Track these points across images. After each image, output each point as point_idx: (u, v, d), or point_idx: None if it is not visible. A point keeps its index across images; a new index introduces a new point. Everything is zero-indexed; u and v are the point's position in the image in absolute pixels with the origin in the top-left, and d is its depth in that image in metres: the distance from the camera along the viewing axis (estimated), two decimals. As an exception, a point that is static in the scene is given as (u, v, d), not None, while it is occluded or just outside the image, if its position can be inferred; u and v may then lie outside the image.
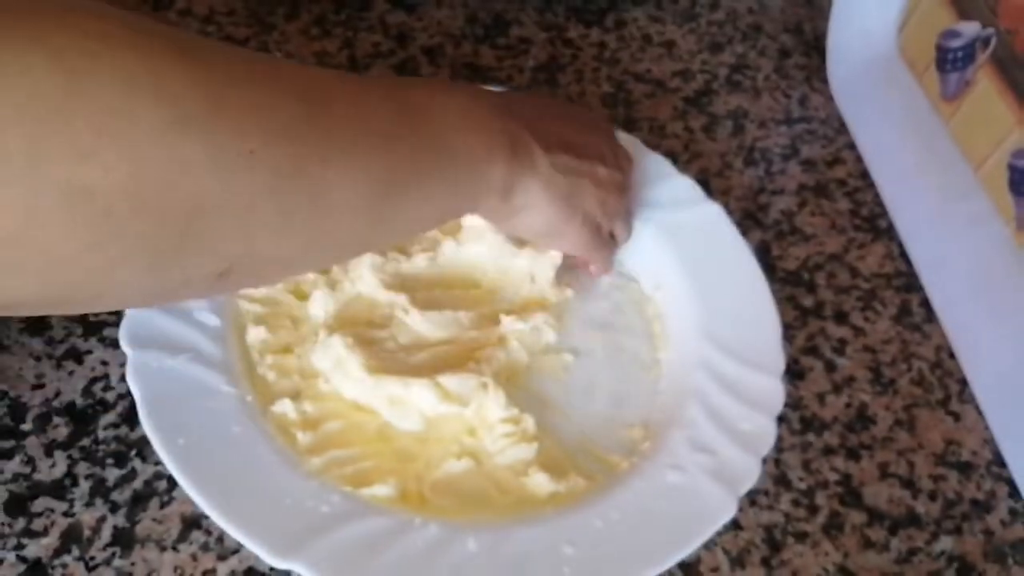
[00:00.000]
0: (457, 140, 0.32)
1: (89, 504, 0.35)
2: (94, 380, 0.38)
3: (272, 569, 0.34)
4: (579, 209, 0.38)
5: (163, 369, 0.35)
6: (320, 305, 0.40)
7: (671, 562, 0.33)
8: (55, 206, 0.20)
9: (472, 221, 0.43)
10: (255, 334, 0.39)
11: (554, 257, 0.43)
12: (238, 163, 0.23)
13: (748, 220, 0.52)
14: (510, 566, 0.32)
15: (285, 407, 0.37)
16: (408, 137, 0.30)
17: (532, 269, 0.43)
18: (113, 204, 0.21)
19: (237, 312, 0.39)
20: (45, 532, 0.34)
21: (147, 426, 0.33)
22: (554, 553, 0.33)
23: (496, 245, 0.43)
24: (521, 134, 0.35)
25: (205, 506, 0.32)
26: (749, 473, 0.36)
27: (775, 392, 0.39)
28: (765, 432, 0.37)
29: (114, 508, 0.35)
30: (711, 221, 0.46)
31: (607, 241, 0.42)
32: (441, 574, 0.31)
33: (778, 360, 0.40)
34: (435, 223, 0.34)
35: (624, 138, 0.49)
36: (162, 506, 0.35)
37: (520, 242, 0.44)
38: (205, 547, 0.34)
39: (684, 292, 0.43)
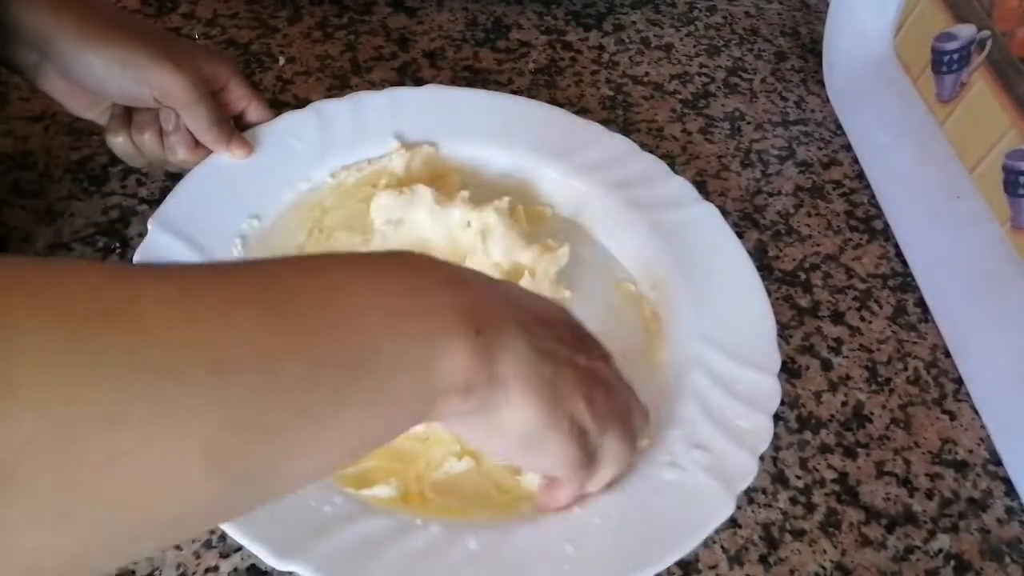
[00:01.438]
0: (377, 336, 0.21)
1: (93, 502, 0.35)
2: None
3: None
4: (566, 409, 0.28)
5: None
6: None
7: (670, 560, 0.33)
8: None
9: (489, 219, 0.44)
10: None
11: (560, 257, 0.44)
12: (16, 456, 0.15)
13: (745, 221, 0.52)
14: (511, 565, 0.32)
15: None
16: (276, 354, 0.19)
17: (535, 267, 0.44)
18: None
19: None
20: (49, 530, 0.34)
21: None
22: (554, 552, 0.33)
23: (507, 240, 0.44)
24: (486, 307, 0.25)
25: None
26: (747, 471, 0.36)
27: (771, 390, 0.39)
28: (762, 430, 0.37)
29: (117, 506, 0.35)
30: (706, 221, 0.46)
31: (592, 460, 0.31)
32: (443, 574, 0.32)
33: (774, 358, 0.40)
34: (346, 462, 0.23)
35: (620, 140, 0.49)
36: (165, 504, 0.35)
37: (528, 239, 0.44)
38: (208, 544, 0.34)
39: (680, 292, 0.43)
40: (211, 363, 0.18)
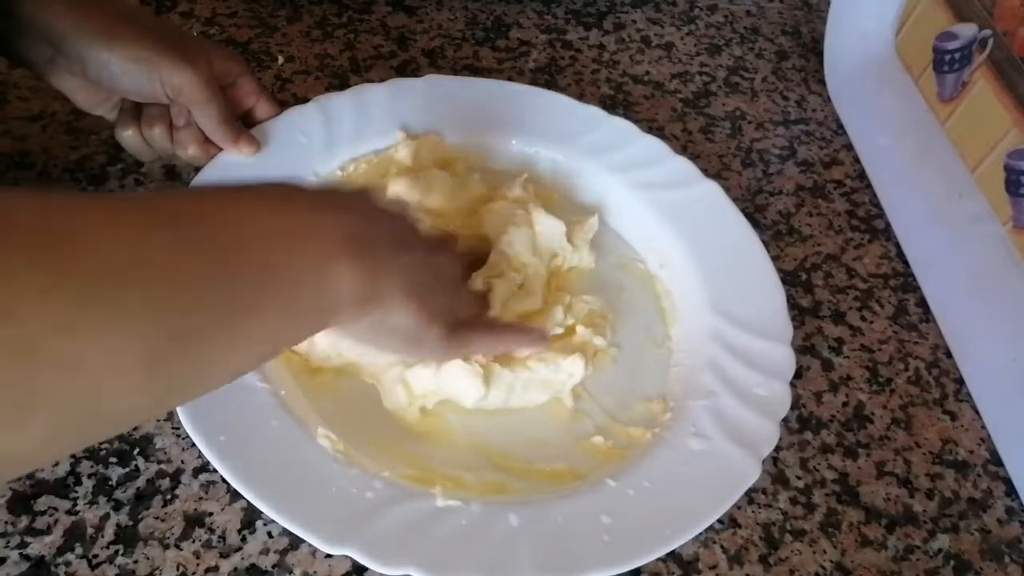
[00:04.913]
0: (279, 255, 0.25)
1: (92, 502, 0.35)
2: (97, 379, 0.39)
3: (274, 566, 0.34)
4: (435, 308, 0.33)
5: None
6: None
7: (703, 526, 0.34)
8: None
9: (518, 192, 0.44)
10: None
11: (592, 225, 0.45)
12: None
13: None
14: (552, 538, 0.33)
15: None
16: (199, 273, 0.22)
17: (572, 233, 0.45)
18: None
19: None
20: (48, 530, 0.34)
21: (187, 424, 0.34)
22: (592, 523, 0.34)
23: (538, 211, 0.44)
24: (364, 231, 0.29)
25: (254, 499, 0.32)
26: (769, 436, 0.37)
27: (786, 358, 0.40)
28: (780, 396, 0.39)
29: (117, 506, 0.35)
30: (710, 199, 0.47)
31: (465, 339, 0.36)
32: (488, 549, 0.33)
33: (786, 327, 0.41)
34: (265, 360, 0.28)
35: (621, 122, 0.50)
36: (165, 504, 0.35)
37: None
38: (208, 544, 0.34)
39: (689, 268, 0.44)
40: (145, 282, 0.21)
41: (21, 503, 0.35)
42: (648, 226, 0.47)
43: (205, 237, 0.23)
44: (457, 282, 0.37)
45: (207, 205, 0.25)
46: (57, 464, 0.36)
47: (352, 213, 0.29)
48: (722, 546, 0.37)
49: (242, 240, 0.24)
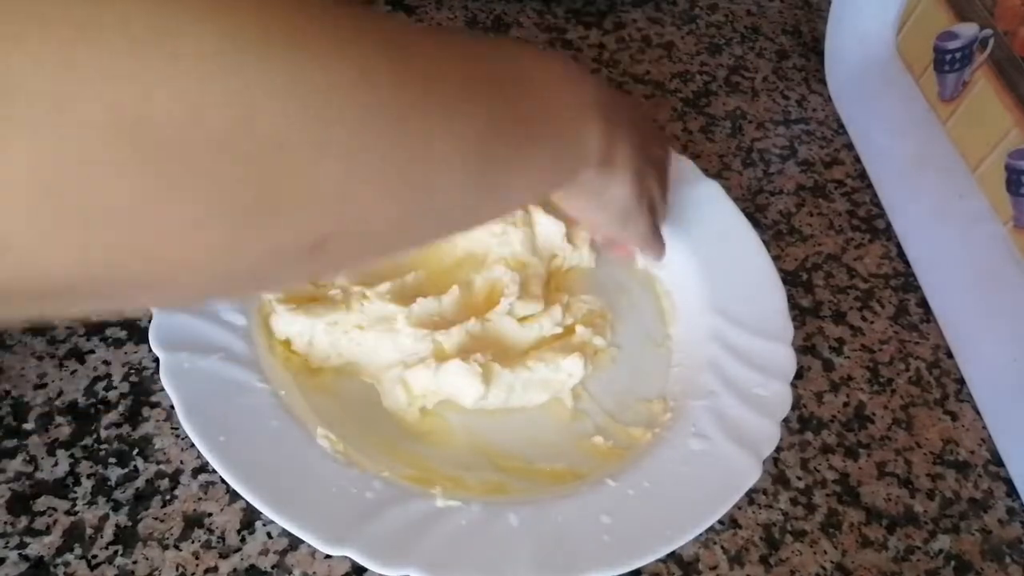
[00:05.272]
0: (558, 103, 0.29)
1: (91, 503, 0.35)
2: (96, 379, 0.39)
3: (274, 567, 0.34)
4: (647, 191, 0.37)
5: (196, 369, 0.35)
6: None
7: (703, 525, 0.34)
8: (93, 140, 0.16)
9: None
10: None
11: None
12: (322, 99, 0.19)
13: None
14: (552, 538, 0.33)
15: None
16: (510, 95, 0.26)
17: (574, 235, 0.45)
18: (169, 139, 0.16)
19: (262, 309, 0.40)
20: (47, 531, 0.34)
21: (187, 424, 0.34)
22: (592, 523, 0.34)
23: (539, 213, 0.44)
24: (610, 103, 0.32)
25: (253, 500, 0.32)
26: (770, 436, 0.37)
27: (787, 358, 0.40)
28: (781, 396, 0.39)
29: (116, 507, 0.35)
30: (710, 198, 0.47)
31: (658, 226, 0.41)
32: (488, 549, 0.32)
33: (787, 328, 0.41)
34: (532, 196, 0.32)
35: None
36: (164, 504, 0.35)
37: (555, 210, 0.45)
38: (207, 545, 0.34)
39: (689, 268, 0.44)
40: (446, 103, 0.23)
41: (20, 504, 0.35)
42: None
43: (513, 75, 0.27)
44: (663, 174, 0.40)
45: (493, 48, 0.28)
46: (56, 465, 0.36)
47: (602, 87, 0.32)
48: (722, 546, 0.37)
49: (526, 83, 0.27)
